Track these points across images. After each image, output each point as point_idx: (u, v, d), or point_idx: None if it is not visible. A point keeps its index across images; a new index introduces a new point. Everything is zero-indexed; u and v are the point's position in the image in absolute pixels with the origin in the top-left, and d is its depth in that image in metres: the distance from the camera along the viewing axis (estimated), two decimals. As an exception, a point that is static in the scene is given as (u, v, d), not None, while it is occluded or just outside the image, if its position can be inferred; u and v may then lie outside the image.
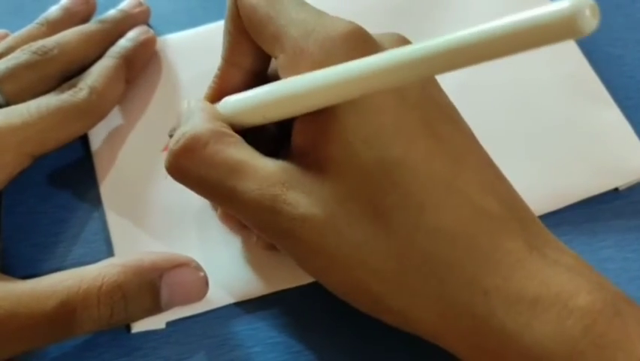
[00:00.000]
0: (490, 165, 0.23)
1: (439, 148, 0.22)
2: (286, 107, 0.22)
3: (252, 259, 0.27)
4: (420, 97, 0.22)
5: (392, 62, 0.18)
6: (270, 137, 0.26)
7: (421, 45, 0.18)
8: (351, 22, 0.23)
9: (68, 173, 0.29)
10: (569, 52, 0.31)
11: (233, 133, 0.24)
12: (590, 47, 0.31)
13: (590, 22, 0.15)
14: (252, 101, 0.23)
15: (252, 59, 0.26)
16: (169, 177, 0.24)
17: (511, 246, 0.20)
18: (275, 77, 0.24)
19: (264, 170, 0.22)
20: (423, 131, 0.22)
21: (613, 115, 0.30)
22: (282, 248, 0.24)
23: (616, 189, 0.28)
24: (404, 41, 0.24)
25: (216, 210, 0.27)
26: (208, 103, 0.25)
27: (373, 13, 0.32)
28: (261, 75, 0.26)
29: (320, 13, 0.23)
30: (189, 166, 0.23)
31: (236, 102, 0.24)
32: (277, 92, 0.22)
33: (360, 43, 0.22)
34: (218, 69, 0.26)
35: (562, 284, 0.20)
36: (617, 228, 0.28)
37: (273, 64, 0.24)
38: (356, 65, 0.19)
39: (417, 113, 0.22)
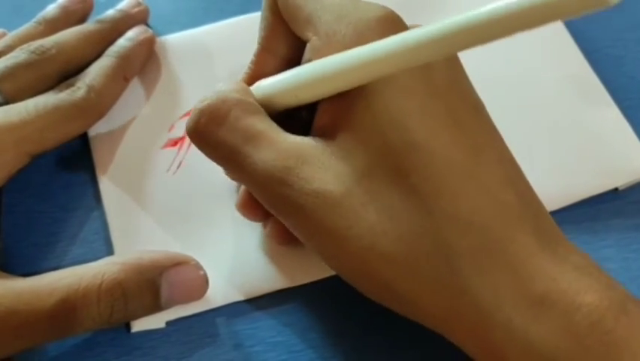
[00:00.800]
0: (510, 160, 0.23)
1: (461, 138, 0.22)
2: (319, 87, 0.22)
3: (253, 259, 0.27)
4: (447, 86, 0.22)
5: (423, 39, 0.19)
6: (299, 124, 0.25)
7: (450, 20, 0.18)
8: (384, 7, 0.23)
9: (68, 172, 0.29)
10: (569, 52, 0.31)
11: (259, 106, 0.24)
12: (590, 48, 0.31)
13: None
14: (285, 82, 0.23)
15: (287, 45, 0.26)
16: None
17: (524, 240, 0.20)
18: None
19: (281, 142, 0.22)
20: (447, 120, 0.22)
21: (613, 115, 0.30)
22: (290, 226, 0.23)
23: (616, 189, 0.28)
24: None
25: (237, 190, 0.27)
26: (242, 83, 0.26)
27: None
28: (296, 63, 0.26)
29: None
30: (210, 127, 0.23)
31: (269, 84, 0.24)
32: (310, 72, 0.22)
33: (392, 26, 0.22)
34: (254, 55, 0.26)
35: (570, 281, 0.20)
36: (617, 227, 0.28)
37: (307, 52, 0.24)
38: (387, 43, 0.20)
39: (443, 101, 0.22)
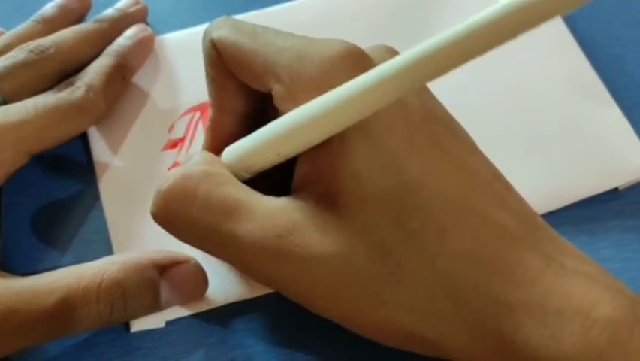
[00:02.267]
0: (496, 176, 0.22)
1: (450, 165, 0.21)
2: (303, 137, 0.20)
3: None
4: (424, 115, 0.22)
5: (402, 69, 0.18)
6: (272, 186, 0.23)
7: (430, 42, 0.17)
8: (343, 41, 0.21)
9: (68, 172, 0.29)
10: (569, 51, 0.31)
11: (229, 173, 0.22)
12: (591, 47, 0.31)
13: None
14: (261, 141, 0.21)
15: (242, 101, 0.24)
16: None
17: (530, 260, 0.20)
18: (274, 114, 0.22)
19: (264, 209, 0.21)
20: (432, 150, 0.21)
21: (613, 115, 0.30)
22: (294, 298, 0.22)
23: (615, 189, 0.28)
24: (392, 52, 0.23)
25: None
26: (205, 152, 0.24)
27: (372, 14, 0.32)
28: (255, 117, 0.25)
29: (307, 37, 0.22)
30: (179, 209, 0.21)
31: (239, 147, 0.22)
32: (284, 125, 0.21)
33: (357, 60, 0.21)
34: (210, 120, 0.25)
35: (582, 294, 0.19)
36: (616, 228, 0.28)
37: (274, 101, 0.22)
38: (362, 81, 0.19)
39: (424, 131, 0.21)
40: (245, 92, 0.24)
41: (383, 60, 0.19)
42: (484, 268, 0.20)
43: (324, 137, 0.20)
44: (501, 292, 0.20)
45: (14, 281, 0.23)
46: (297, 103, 0.21)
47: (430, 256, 0.20)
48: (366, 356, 0.25)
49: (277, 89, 0.22)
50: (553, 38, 0.32)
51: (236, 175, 0.22)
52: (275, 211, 0.21)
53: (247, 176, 0.22)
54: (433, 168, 0.21)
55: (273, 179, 0.22)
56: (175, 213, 0.21)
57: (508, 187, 0.22)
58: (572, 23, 0.32)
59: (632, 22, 0.33)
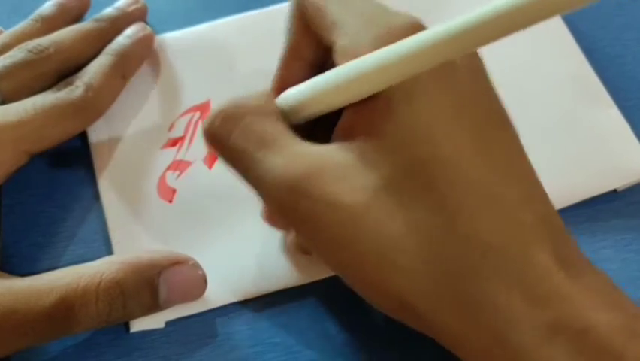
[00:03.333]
0: (531, 176, 0.22)
1: (485, 154, 0.21)
2: (349, 90, 0.21)
3: (252, 259, 0.27)
4: (473, 99, 0.22)
5: (453, 30, 0.19)
6: (324, 136, 0.24)
7: (475, 13, 0.18)
8: (412, 17, 0.22)
9: (67, 172, 0.29)
10: (569, 52, 0.31)
11: (278, 113, 0.23)
12: (591, 47, 0.31)
13: None
14: (314, 88, 0.23)
15: (313, 49, 0.25)
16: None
17: (541, 261, 0.20)
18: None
19: (297, 149, 0.22)
20: (472, 135, 0.21)
21: (613, 116, 0.30)
22: (304, 237, 0.22)
23: (614, 190, 0.28)
24: None
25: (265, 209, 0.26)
26: (266, 91, 0.25)
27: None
28: (322, 69, 0.25)
29: (381, 6, 0.23)
30: (223, 130, 0.22)
31: (296, 92, 0.23)
32: (340, 75, 0.22)
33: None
34: (280, 59, 0.26)
35: (583, 302, 0.19)
36: (616, 228, 0.28)
37: (334, 56, 0.23)
38: (418, 38, 0.19)
39: (469, 114, 0.21)
40: (317, 45, 0.25)
41: None
42: (490, 257, 0.20)
43: (372, 91, 0.21)
44: (501, 286, 0.20)
45: (13, 281, 0.23)
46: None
47: (439, 234, 0.20)
48: (367, 357, 0.25)
49: (339, 44, 0.23)
50: (553, 38, 0.32)
51: (289, 118, 0.23)
52: (303, 154, 0.21)
53: (299, 121, 0.23)
54: (466, 152, 0.21)
55: (317, 135, 0.23)
56: (219, 131, 0.23)
57: (538, 189, 0.22)
58: (571, 24, 0.32)
59: (631, 23, 0.33)
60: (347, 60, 0.22)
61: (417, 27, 0.22)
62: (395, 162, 0.21)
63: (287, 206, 0.21)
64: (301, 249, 0.26)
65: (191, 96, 0.30)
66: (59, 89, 0.28)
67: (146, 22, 0.32)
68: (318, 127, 0.24)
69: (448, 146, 0.21)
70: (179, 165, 0.29)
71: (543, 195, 0.22)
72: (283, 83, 0.25)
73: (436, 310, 0.20)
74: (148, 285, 0.24)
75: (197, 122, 0.30)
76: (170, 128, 0.29)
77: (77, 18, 0.32)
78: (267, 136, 0.22)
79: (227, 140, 0.22)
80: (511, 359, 0.20)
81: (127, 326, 0.25)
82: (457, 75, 0.22)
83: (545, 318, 0.19)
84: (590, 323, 0.19)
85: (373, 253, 0.20)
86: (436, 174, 0.20)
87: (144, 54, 0.31)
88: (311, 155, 0.21)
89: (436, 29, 0.19)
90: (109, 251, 0.27)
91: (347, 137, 0.22)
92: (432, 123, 0.21)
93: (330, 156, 0.21)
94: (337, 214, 0.21)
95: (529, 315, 0.19)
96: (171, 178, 0.28)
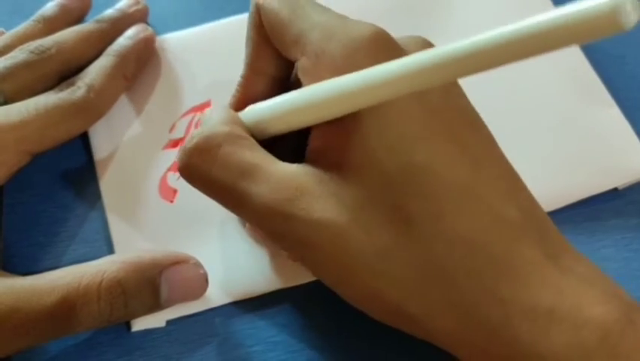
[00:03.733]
0: (510, 172, 0.22)
1: (461, 154, 0.21)
2: (312, 113, 0.22)
3: (253, 258, 0.27)
4: (443, 102, 0.22)
5: (420, 66, 0.18)
6: (290, 148, 0.24)
7: (452, 47, 0.17)
8: (374, 26, 0.22)
9: (69, 172, 0.29)
10: (569, 51, 0.31)
11: (249, 137, 0.23)
12: (591, 47, 0.31)
13: (631, 16, 0.14)
14: (276, 108, 0.23)
15: (274, 65, 0.25)
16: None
17: (529, 254, 0.20)
18: (297, 84, 0.23)
19: (277, 173, 0.22)
20: (445, 138, 0.21)
21: (613, 115, 0.30)
22: (298, 258, 0.23)
23: (615, 189, 0.28)
24: (428, 45, 0.24)
25: (244, 225, 0.27)
26: (230, 109, 0.25)
27: (371, 14, 0.32)
28: (284, 82, 0.26)
29: (342, 17, 0.23)
30: (201, 166, 0.23)
31: (259, 110, 0.24)
32: (301, 98, 0.22)
33: (384, 46, 0.22)
34: (241, 77, 0.26)
35: (577, 294, 0.20)
36: (616, 227, 0.28)
37: (296, 73, 0.24)
38: (383, 69, 0.19)
39: (440, 118, 0.22)
40: (278, 58, 0.25)
41: (415, 51, 0.19)
42: (478, 256, 0.20)
43: (338, 115, 0.21)
44: (493, 283, 0.20)
45: (15, 281, 0.23)
46: (318, 79, 0.22)
47: (425, 239, 0.20)
48: (368, 357, 0.25)
49: (302, 62, 0.23)
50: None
51: (254, 135, 0.23)
52: (286, 176, 0.22)
53: (263, 138, 0.24)
54: (442, 155, 0.21)
55: (289, 145, 0.24)
56: (197, 169, 0.23)
57: (520, 184, 0.22)
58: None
59: (632, 22, 0.33)
60: (310, 79, 0.22)
61: (379, 37, 0.22)
62: (371, 176, 0.21)
63: (275, 230, 0.22)
64: (294, 258, 0.26)
65: (192, 97, 0.30)
66: (61, 90, 0.28)
67: (147, 23, 0.32)
68: (282, 140, 0.24)
69: (422, 153, 0.21)
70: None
71: (524, 190, 0.22)
72: (245, 97, 0.26)
73: (431, 314, 0.21)
74: (149, 284, 0.24)
75: (197, 122, 0.30)
76: (172, 129, 0.30)
77: (79, 19, 0.32)
78: (247, 164, 0.22)
79: (208, 176, 0.23)
80: (509, 355, 0.20)
81: (128, 325, 0.25)
82: None
83: (540, 311, 0.19)
84: (586, 316, 0.19)
85: (361, 265, 0.21)
86: (415, 182, 0.21)
87: (145, 55, 0.31)
88: (292, 176, 0.22)
89: (405, 60, 0.19)
90: (110, 251, 0.27)
91: (320, 156, 0.22)
92: (403, 133, 0.21)
93: (308, 176, 0.22)
94: (323, 233, 0.21)
95: (522, 309, 0.20)
96: (172, 179, 0.28)
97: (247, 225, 0.26)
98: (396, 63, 0.19)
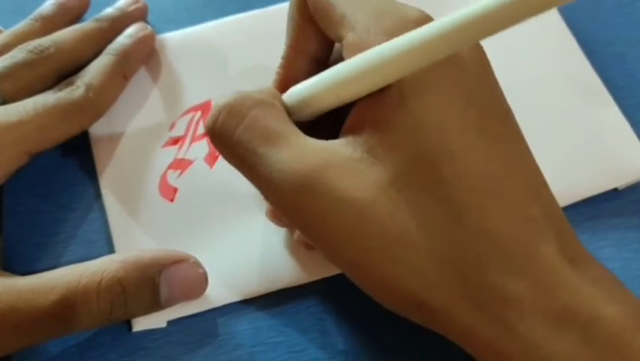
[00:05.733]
0: (536, 170, 0.22)
1: (494, 150, 0.21)
2: (362, 82, 0.21)
3: (254, 258, 0.26)
4: (481, 94, 0.22)
5: (466, 18, 0.19)
6: (326, 134, 0.24)
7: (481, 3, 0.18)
8: (421, 10, 0.23)
9: (69, 172, 0.29)
10: (569, 51, 0.31)
11: (282, 109, 0.23)
12: (591, 46, 0.31)
13: None
14: (324, 82, 0.23)
15: (316, 44, 0.25)
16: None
17: (548, 253, 0.20)
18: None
19: (302, 145, 0.21)
20: (480, 130, 0.21)
21: (613, 115, 0.30)
22: (309, 235, 0.22)
23: (615, 189, 0.28)
24: None
25: (266, 212, 0.26)
26: (271, 87, 0.25)
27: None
28: (324, 63, 0.26)
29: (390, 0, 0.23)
30: (228, 124, 0.22)
31: (305, 87, 0.23)
32: (352, 68, 0.21)
33: None
34: (283, 57, 0.26)
35: (591, 294, 0.20)
36: (617, 227, 0.28)
37: (342, 50, 0.23)
38: (428, 29, 0.20)
39: (477, 110, 0.22)
40: (320, 38, 0.25)
41: None
42: (498, 249, 0.20)
43: (384, 83, 0.21)
44: (510, 278, 0.20)
45: (14, 280, 0.23)
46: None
47: (448, 227, 0.20)
48: (368, 356, 0.25)
49: (348, 39, 0.23)
50: (552, 38, 0.32)
51: (296, 115, 0.23)
52: (312, 149, 0.21)
53: (306, 118, 0.23)
54: (475, 147, 0.21)
55: (322, 132, 0.23)
56: (223, 127, 0.22)
57: (544, 184, 0.22)
58: (571, 23, 0.32)
59: (632, 22, 0.33)
60: (357, 54, 0.22)
61: (426, 18, 0.22)
62: (403, 156, 0.21)
63: (292, 203, 0.21)
64: (305, 244, 0.26)
65: (191, 96, 0.30)
66: (60, 89, 0.28)
67: (146, 22, 0.32)
68: (319, 126, 0.24)
69: (456, 141, 0.21)
70: (180, 164, 0.29)
71: (548, 192, 0.22)
72: (286, 78, 0.26)
73: (445, 304, 0.20)
74: (149, 283, 0.24)
75: (198, 121, 0.30)
76: (171, 127, 0.29)
77: (77, 18, 0.32)
78: (273, 131, 0.22)
79: (232, 135, 0.22)
80: (521, 350, 0.20)
81: (129, 325, 0.25)
82: (466, 70, 0.22)
83: (554, 308, 0.20)
84: (599, 314, 0.19)
85: (380, 248, 0.20)
86: (445, 168, 0.21)
87: (145, 54, 0.31)
88: (318, 150, 0.21)
89: (444, 20, 0.19)
90: (111, 250, 0.27)
91: (355, 131, 0.22)
92: (441, 118, 0.21)
93: (337, 151, 0.21)
94: (344, 210, 0.20)
95: (537, 305, 0.20)
96: (172, 177, 0.28)
97: (267, 209, 0.26)
98: (436, 24, 0.19)
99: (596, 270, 0.21)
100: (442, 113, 0.21)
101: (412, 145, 0.21)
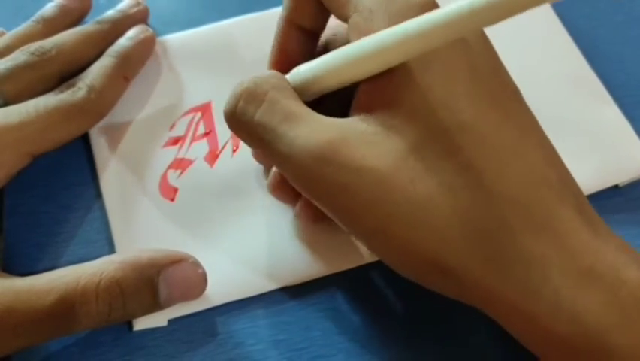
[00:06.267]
0: (549, 143, 0.23)
1: (506, 120, 0.22)
2: (369, 65, 0.22)
3: (254, 258, 0.27)
4: (488, 72, 0.23)
5: (466, 8, 0.19)
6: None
7: None
8: None
9: (70, 173, 0.29)
10: (567, 50, 0.31)
11: (295, 92, 0.23)
12: (589, 45, 0.31)
13: None
14: (330, 64, 0.23)
15: (312, 18, 0.26)
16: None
17: (568, 216, 0.21)
18: (330, 48, 0.24)
19: (322, 120, 0.22)
20: (490, 102, 0.22)
21: (612, 113, 0.30)
22: (329, 208, 0.22)
23: (616, 187, 0.28)
24: None
25: (267, 176, 0.27)
26: (276, 71, 0.25)
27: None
28: (317, 37, 0.26)
29: None
30: (247, 109, 0.23)
31: (309, 68, 0.24)
32: (358, 49, 0.22)
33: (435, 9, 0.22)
34: (278, 30, 0.26)
35: (614, 257, 0.20)
36: (617, 224, 0.27)
37: (347, 30, 0.24)
38: (435, 14, 0.20)
39: (486, 86, 0.22)
40: (316, 12, 0.25)
41: None
42: (521, 214, 0.20)
43: (391, 64, 0.21)
44: (533, 240, 0.20)
45: (14, 281, 0.23)
46: (369, 35, 0.22)
47: (469, 192, 0.21)
48: (369, 355, 0.25)
49: (354, 19, 0.23)
50: (550, 37, 0.32)
51: (300, 95, 0.24)
52: (329, 124, 0.22)
53: (310, 98, 0.24)
54: (488, 118, 0.21)
55: (324, 112, 0.23)
56: (243, 112, 0.23)
57: (557, 155, 0.23)
58: (569, 22, 0.32)
59: (631, 20, 0.33)
60: (362, 36, 0.22)
61: (432, 4, 0.23)
62: (418, 127, 0.21)
63: (312, 174, 0.22)
64: (313, 217, 0.26)
65: (191, 97, 0.30)
66: (62, 91, 0.28)
67: (147, 24, 0.32)
68: (321, 106, 0.24)
69: (468, 111, 0.21)
70: (180, 164, 0.29)
71: (561, 160, 0.23)
72: (280, 50, 0.26)
73: (467, 267, 0.21)
74: (148, 284, 0.24)
75: (198, 122, 0.30)
76: (171, 127, 0.30)
77: (78, 19, 0.32)
78: (291, 111, 0.22)
79: (252, 119, 0.23)
80: (547, 310, 0.20)
81: (130, 324, 0.25)
82: (471, 51, 0.22)
83: (580, 270, 0.20)
84: (623, 276, 0.20)
85: (402, 213, 0.21)
86: (460, 137, 0.21)
87: (146, 56, 0.31)
88: (335, 125, 0.22)
89: (451, 6, 0.19)
90: (111, 251, 0.27)
91: (366, 109, 0.22)
92: (451, 90, 0.21)
93: (352, 127, 0.22)
94: (365, 179, 0.21)
95: (561, 268, 0.20)
96: (173, 177, 0.28)
97: (269, 183, 0.26)
98: (443, 9, 0.20)
99: (615, 238, 0.21)
100: (451, 85, 0.22)
101: (424, 118, 0.21)
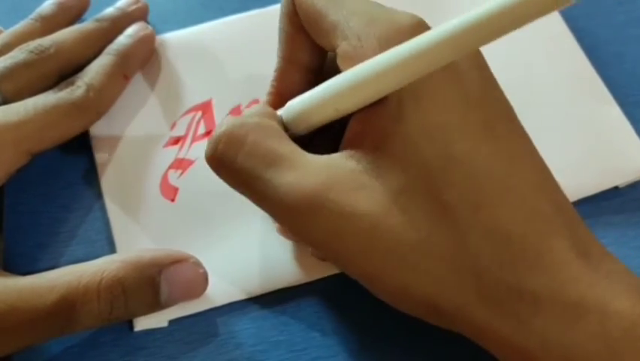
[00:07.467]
0: (543, 167, 0.23)
1: (498, 148, 0.21)
2: (360, 94, 0.21)
3: (255, 258, 0.27)
4: (481, 96, 0.22)
5: (460, 30, 0.19)
6: (324, 148, 0.24)
7: (483, 8, 0.18)
8: (414, 15, 0.23)
9: (70, 172, 0.29)
10: (569, 50, 0.31)
11: (280, 129, 0.23)
12: (591, 45, 0.31)
13: None
14: (321, 95, 0.22)
15: (309, 54, 0.25)
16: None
17: (560, 248, 0.20)
18: (331, 74, 0.23)
19: (306, 164, 0.22)
20: (484, 132, 0.21)
21: (613, 113, 0.30)
22: (324, 252, 0.23)
23: (616, 188, 0.28)
24: None
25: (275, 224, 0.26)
26: (264, 104, 0.25)
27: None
28: (319, 72, 0.26)
29: (380, 5, 0.23)
30: (228, 153, 0.22)
31: (301, 101, 0.23)
32: (349, 79, 0.21)
33: (424, 32, 0.22)
34: (276, 70, 0.26)
35: (604, 288, 0.20)
36: (618, 225, 0.28)
37: (336, 59, 0.23)
38: (425, 38, 0.19)
39: (479, 112, 0.22)
40: (312, 48, 0.25)
41: None
42: (513, 248, 0.20)
43: (382, 94, 0.21)
44: (525, 275, 0.20)
45: (14, 280, 0.23)
46: (360, 62, 0.21)
47: (461, 230, 0.20)
48: (369, 355, 0.25)
49: (343, 47, 0.23)
50: (552, 37, 0.32)
51: (293, 130, 0.23)
52: (316, 167, 0.21)
53: (303, 132, 0.23)
54: (479, 149, 0.21)
55: (324, 146, 0.23)
56: (223, 156, 0.22)
57: (551, 179, 0.23)
58: (571, 21, 0.32)
59: (632, 20, 0.33)
60: (352, 64, 0.22)
61: (421, 25, 0.22)
62: (407, 166, 0.21)
63: (303, 223, 0.21)
64: (318, 256, 0.26)
65: (192, 96, 0.30)
66: (60, 89, 0.28)
67: (147, 22, 0.32)
68: (316, 139, 0.24)
69: (460, 143, 0.21)
70: (181, 164, 0.29)
71: (556, 186, 0.22)
72: (281, 90, 0.26)
73: (461, 306, 0.21)
74: (149, 283, 0.24)
75: (198, 121, 0.30)
76: (172, 127, 0.29)
77: (77, 17, 0.32)
78: (274, 154, 0.22)
79: (234, 163, 0.22)
80: (538, 344, 0.20)
81: (131, 324, 0.25)
82: (463, 75, 0.22)
83: (568, 302, 0.20)
84: (613, 307, 0.19)
85: (396, 258, 0.21)
86: (450, 172, 0.21)
87: (145, 54, 0.31)
88: (321, 167, 0.21)
89: (441, 28, 0.19)
90: (112, 250, 0.27)
91: (356, 144, 0.22)
92: (442, 122, 0.21)
93: (340, 166, 0.21)
94: (356, 225, 0.21)
95: (551, 301, 0.20)
96: (173, 177, 0.28)
97: (278, 226, 0.26)
98: (433, 33, 0.19)
99: (608, 262, 0.21)
100: (442, 117, 0.21)
101: (414, 154, 0.21)
